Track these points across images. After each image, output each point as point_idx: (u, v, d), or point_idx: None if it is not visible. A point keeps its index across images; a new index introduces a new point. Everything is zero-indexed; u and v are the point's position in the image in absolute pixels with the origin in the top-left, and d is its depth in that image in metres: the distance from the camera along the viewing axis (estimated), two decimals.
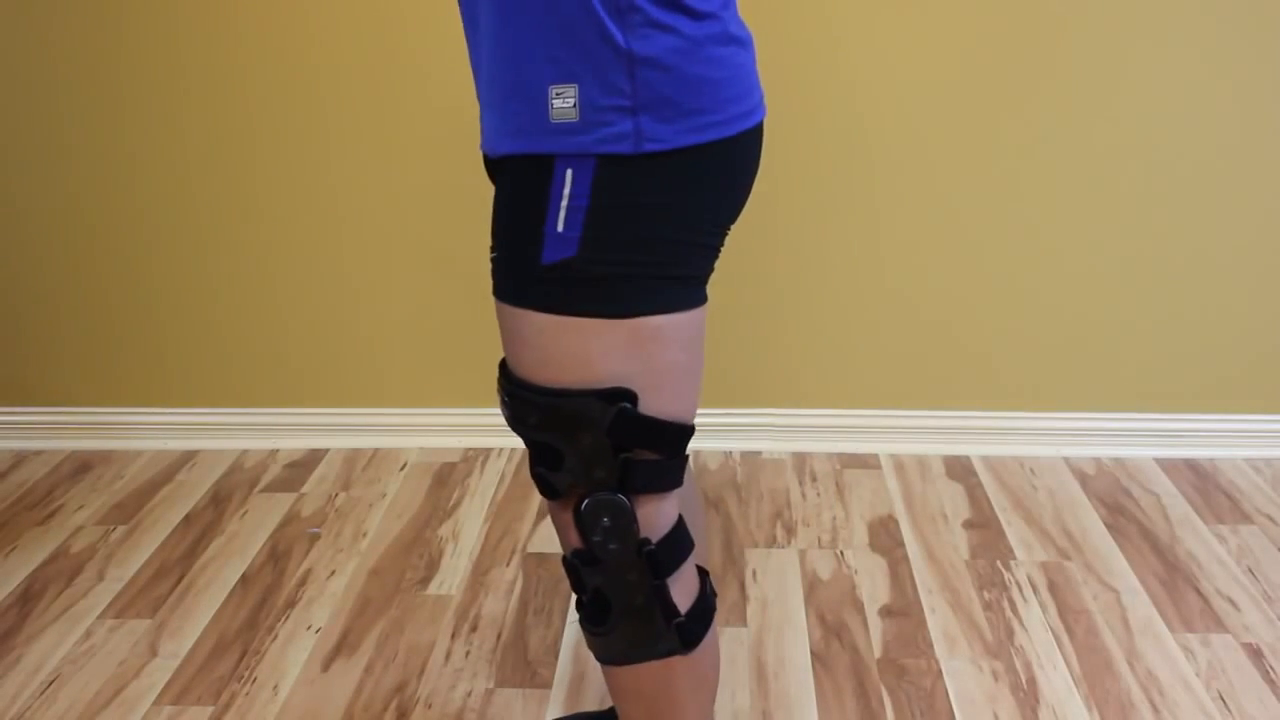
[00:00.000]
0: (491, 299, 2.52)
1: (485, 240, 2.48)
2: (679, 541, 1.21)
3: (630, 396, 1.10)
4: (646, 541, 1.17)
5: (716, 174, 1.09)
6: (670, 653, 1.22)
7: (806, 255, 2.45)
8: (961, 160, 2.37)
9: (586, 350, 1.09)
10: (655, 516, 1.17)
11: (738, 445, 2.60)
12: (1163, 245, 2.41)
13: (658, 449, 1.15)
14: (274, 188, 2.48)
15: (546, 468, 1.15)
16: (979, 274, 2.46)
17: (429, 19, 2.34)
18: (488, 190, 2.46)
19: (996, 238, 2.43)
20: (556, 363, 1.10)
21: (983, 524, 2.28)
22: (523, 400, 1.13)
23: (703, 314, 1.15)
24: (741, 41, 1.10)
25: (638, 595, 1.19)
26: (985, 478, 2.47)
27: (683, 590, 1.22)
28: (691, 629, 1.23)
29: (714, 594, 1.29)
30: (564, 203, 1.05)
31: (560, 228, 1.05)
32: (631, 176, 1.05)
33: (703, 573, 1.28)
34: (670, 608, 1.20)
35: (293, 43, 2.37)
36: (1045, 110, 2.34)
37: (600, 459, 1.12)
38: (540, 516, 2.34)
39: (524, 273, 1.09)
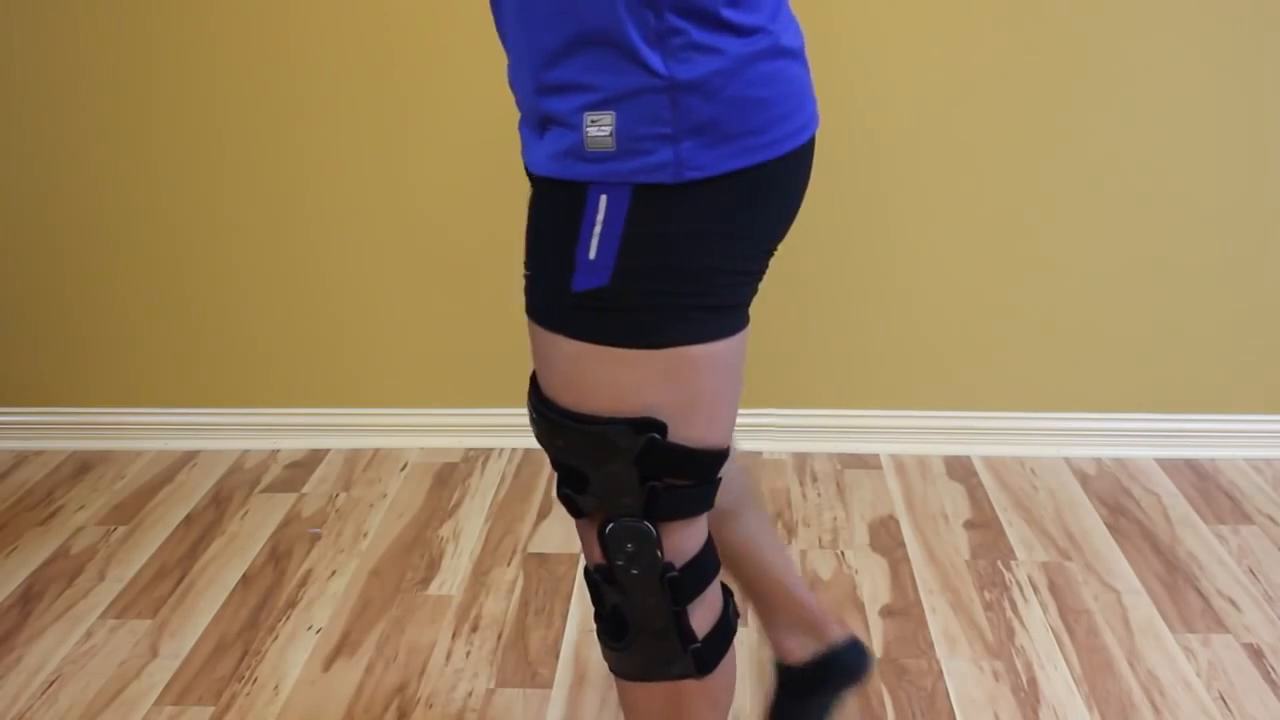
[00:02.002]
0: (492, 301, 2.52)
1: (486, 240, 2.48)
2: (704, 566, 1.17)
3: (660, 427, 1.06)
4: (670, 567, 1.13)
5: (764, 197, 1.04)
6: (683, 675, 1.19)
7: (807, 256, 2.45)
8: (962, 161, 2.37)
9: (617, 380, 1.04)
10: (683, 541, 1.14)
11: (737, 445, 2.60)
12: (1163, 246, 2.41)
13: (688, 476, 1.11)
14: (274, 188, 2.48)
15: (572, 489, 1.12)
16: (979, 274, 2.46)
17: (428, 19, 2.34)
18: (488, 190, 2.46)
19: (997, 238, 2.43)
20: (586, 389, 1.06)
21: (983, 524, 2.28)
22: (550, 421, 1.09)
23: (743, 339, 1.09)
24: (793, 53, 1.03)
25: (656, 620, 1.15)
26: (986, 478, 2.47)
27: (704, 614, 1.18)
28: (708, 654, 1.19)
29: (737, 615, 1.25)
30: (597, 229, 1.00)
31: (592, 255, 1.01)
32: (669, 206, 1.00)
33: (727, 593, 1.25)
34: (688, 633, 1.16)
35: (293, 43, 2.37)
36: (1046, 111, 2.34)
37: (626, 487, 1.08)
38: (541, 517, 2.35)
39: (555, 298, 1.05)
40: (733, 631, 1.23)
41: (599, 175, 0.99)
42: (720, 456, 1.13)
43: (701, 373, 1.06)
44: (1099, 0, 2.26)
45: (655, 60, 0.96)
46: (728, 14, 0.97)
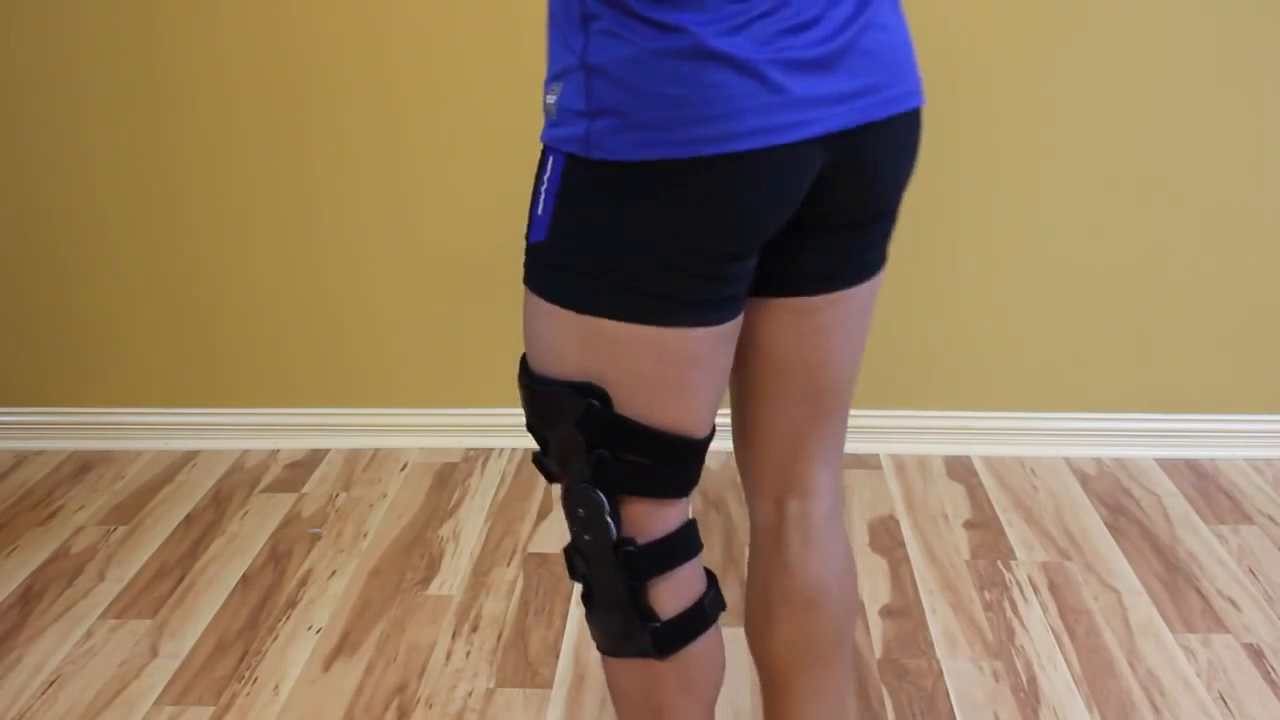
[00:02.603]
0: (492, 301, 2.53)
1: (486, 240, 2.48)
2: (670, 548, 1.18)
3: (601, 395, 1.11)
4: (629, 541, 1.16)
5: (682, 197, 1.04)
6: (642, 654, 1.21)
7: None
8: (962, 161, 2.37)
9: (555, 338, 1.11)
10: (645, 520, 1.17)
11: None
12: (1163, 246, 2.41)
13: (640, 453, 1.14)
14: (276, 189, 2.48)
15: (541, 451, 1.19)
16: (979, 274, 2.46)
17: (434, 21, 2.34)
18: (488, 190, 2.46)
19: (997, 238, 2.43)
20: (539, 347, 1.13)
21: (983, 524, 2.28)
22: (520, 383, 1.18)
23: (693, 335, 1.10)
24: (728, 60, 1.00)
25: (611, 591, 1.19)
26: (986, 478, 2.47)
27: (671, 595, 1.20)
28: (669, 636, 1.20)
29: (718, 604, 1.26)
30: (544, 187, 1.09)
31: (539, 211, 1.09)
32: (589, 180, 1.05)
33: (711, 579, 1.26)
34: (646, 610, 1.19)
35: (299, 45, 2.37)
36: (1046, 112, 2.34)
37: (575, 451, 1.13)
38: (541, 517, 2.34)
39: (526, 251, 1.14)
40: (708, 620, 1.24)
41: (548, 139, 1.09)
42: (679, 443, 1.15)
43: (630, 351, 1.09)
44: (1106, 4, 2.27)
45: (578, 42, 1.04)
46: (637, 6, 1.00)
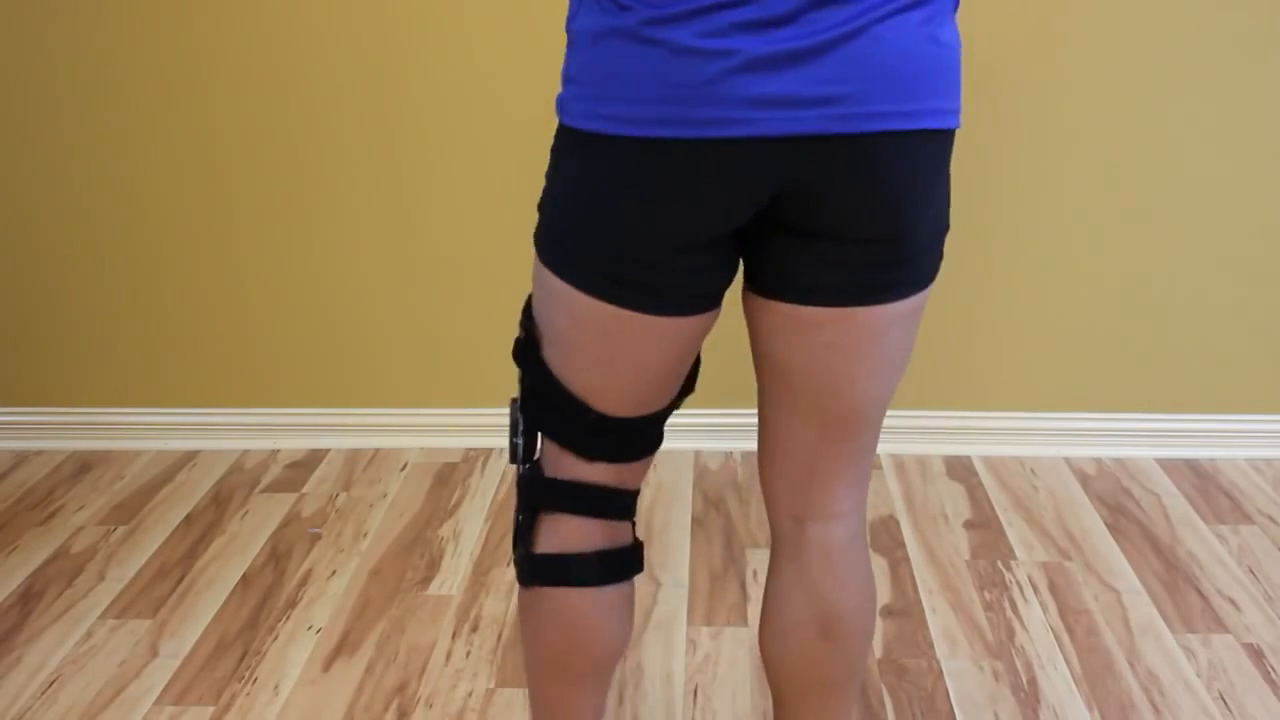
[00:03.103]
0: (492, 301, 2.53)
1: (486, 240, 2.48)
2: (561, 490, 1.23)
3: (534, 330, 1.19)
4: (536, 469, 1.24)
5: (601, 171, 1.06)
6: (518, 576, 1.28)
7: None
8: (962, 161, 2.37)
9: (535, 271, 1.19)
10: (552, 458, 1.23)
11: (738, 445, 2.60)
12: (1163, 246, 2.41)
13: (543, 398, 1.21)
14: (275, 188, 2.48)
15: None
16: (979, 274, 2.46)
17: (426, 17, 2.34)
18: (488, 190, 2.46)
19: (997, 238, 2.43)
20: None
21: (983, 524, 2.28)
22: None
23: (608, 310, 1.12)
24: (665, 45, 1.00)
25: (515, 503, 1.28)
26: (986, 478, 2.47)
27: (550, 534, 1.25)
28: (528, 568, 1.26)
29: (586, 566, 1.26)
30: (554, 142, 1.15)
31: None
32: (558, 141, 1.12)
33: (618, 556, 1.27)
34: (521, 533, 1.26)
35: (293, 46, 2.37)
36: (1048, 112, 2.34)
37: (520, 370, 1.23)
38: None
39: None
40: (570, 574, 1.25)
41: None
42: (576, 408, 1.19)
43: (555, 302, 1.16)
44: (1108, 5, 2.27)
45: (573, 8, 1.09)
46: None
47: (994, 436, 2.56)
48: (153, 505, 2.42)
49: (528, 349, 1.20)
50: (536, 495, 1.25)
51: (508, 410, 1.27)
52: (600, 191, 1.07)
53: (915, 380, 2.54)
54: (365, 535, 2.29)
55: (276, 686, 1.85)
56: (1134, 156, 2.36)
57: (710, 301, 1.16)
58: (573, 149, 1.09)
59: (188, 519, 2.36)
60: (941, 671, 1.85)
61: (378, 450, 2.64)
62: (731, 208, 1.06)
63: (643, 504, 2.38)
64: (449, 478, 2.51)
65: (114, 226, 2.52)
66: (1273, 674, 1.83)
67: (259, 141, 2.44)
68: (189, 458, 2.63)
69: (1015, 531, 2.25)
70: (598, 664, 1.30)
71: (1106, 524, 2.27)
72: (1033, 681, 1.82)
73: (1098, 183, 2.38)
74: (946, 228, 1.17)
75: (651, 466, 2.51)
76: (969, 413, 2.56)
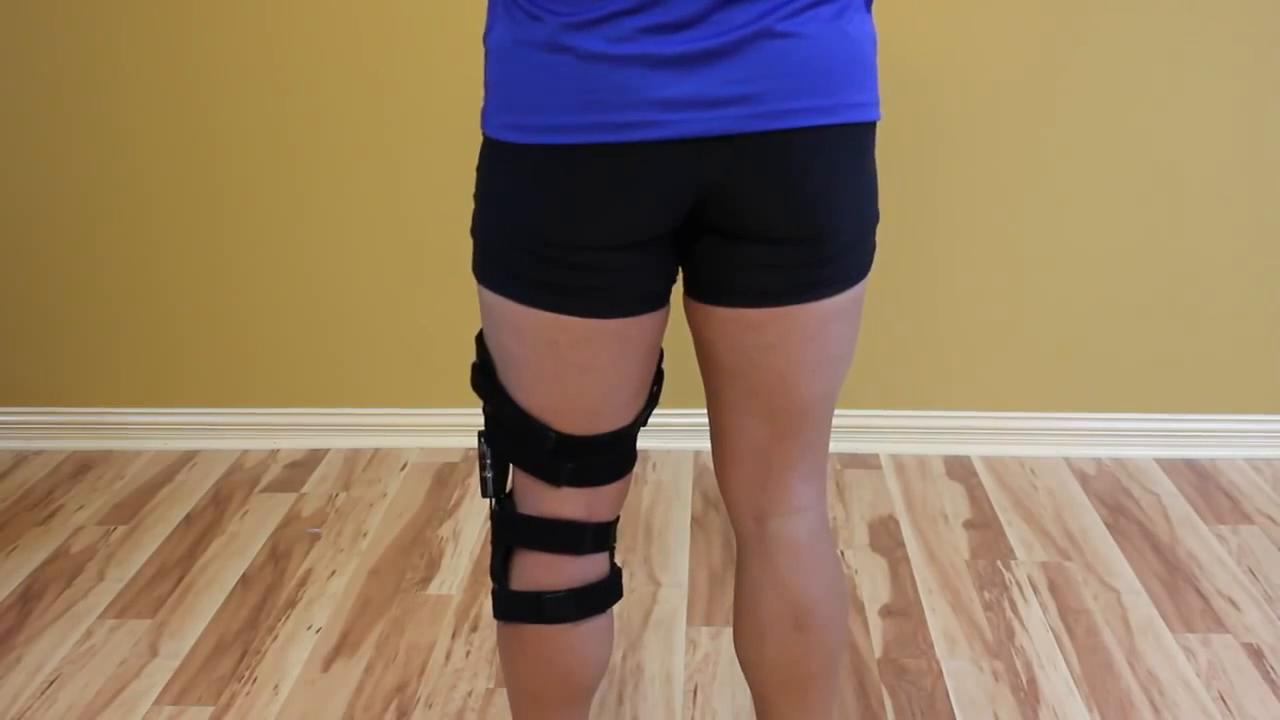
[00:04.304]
0: None
1: None
2: (533, 529, 1.22)
3: (487, 356, 1.19)
4: (508, 503, 1.24)
5: (521, 180, 1.07)
6: (493, 612, 1.28)
7: None
8: (962, 161, 2.38)
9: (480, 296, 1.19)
10: (520, 489, 1.23)
11: None
12: (1163, 246, 2.41)
13: (502, 424, 1.20)
14: (274, 188, 2.48)
15: None
16: (979, 274, 2.46)
17: (420, 17, 2.34)
18: None
19: (997, 238, 2.43)
20: None
21: (983, 524, 2.28)
22: None
23: (547, 320, 1.12)
24: (574, 52, 1.01)
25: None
26: (985, 478, 2.47)
27: (523, 571, 1.24)
28: (502, 603, 1.25)
29: (558, 605, 1.24)
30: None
31: None
32: (482, 154, 1.12)
33: (590, 593, 1.25)
34: (495, 569, 1.25)
35: (289, 45, 2.37)
36: (1047, 112, 2.34)
37: (480, 398, 1.23)
38: None
39: None
40: (543, 613, 1.24)
41: None
42: (534, 428, 1.17)
43: (496, 321, 1.15)
44: (1106, 4, 2.27)
45: (489, 21, 1.10)
46: None
47: (994, 436, 2.56)
48: (152, 505, 2.42)
49: (483, 376, 1.20)
50: (508, 532, 1.24)
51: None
52: (524, 201, 1.07)
53: (915, 380, 2.54)
54: (365, 535, 2.29)
55: (276, 686, 1.85)
56: (1134, 156, 2.36)
57: (651, 303, 1.15)
58: (495, 161, 1.10)
59: (187, 519, 2.36)
60: (941, 671, 1.85)
61: (377, 450, 2.64)
62: (654, 211, 1.07)
63: (643, 504, 2.38)
64: (449, 478, 2.51)
65: (114, 226, 2.52)
66: (1272, 674, 1.83)
67: (259, 142, 2.44)
68: (189, 458, 2.63)
69: (1015, 531, 2.25)
70: (576, 693, 1.30)
71: (1106, 524, 2.27)
72: (1032, 681, 1.82)
73: (1098, 183, 2.38)
74: (876, 220, 1.16)
75: (650, 467, 2.51)
76: (969, 413, 2.56)
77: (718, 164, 1.04)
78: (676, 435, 2.56)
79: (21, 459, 2.64)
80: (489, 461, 1.22)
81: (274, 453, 2.64)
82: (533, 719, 1.32)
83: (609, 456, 1.21)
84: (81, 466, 2.60)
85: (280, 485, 2.49)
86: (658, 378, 1.26)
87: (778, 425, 1.21)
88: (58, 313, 2.60)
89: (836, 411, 2.56)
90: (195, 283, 2.56)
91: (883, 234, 2.42)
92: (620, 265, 1.10)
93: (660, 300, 1.16)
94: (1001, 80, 2.32)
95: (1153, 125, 2.34)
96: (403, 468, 2.56)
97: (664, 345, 1.43)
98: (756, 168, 1.05)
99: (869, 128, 1.10)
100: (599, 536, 1.24)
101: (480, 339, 1.21)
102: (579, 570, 1.24)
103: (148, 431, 2.67)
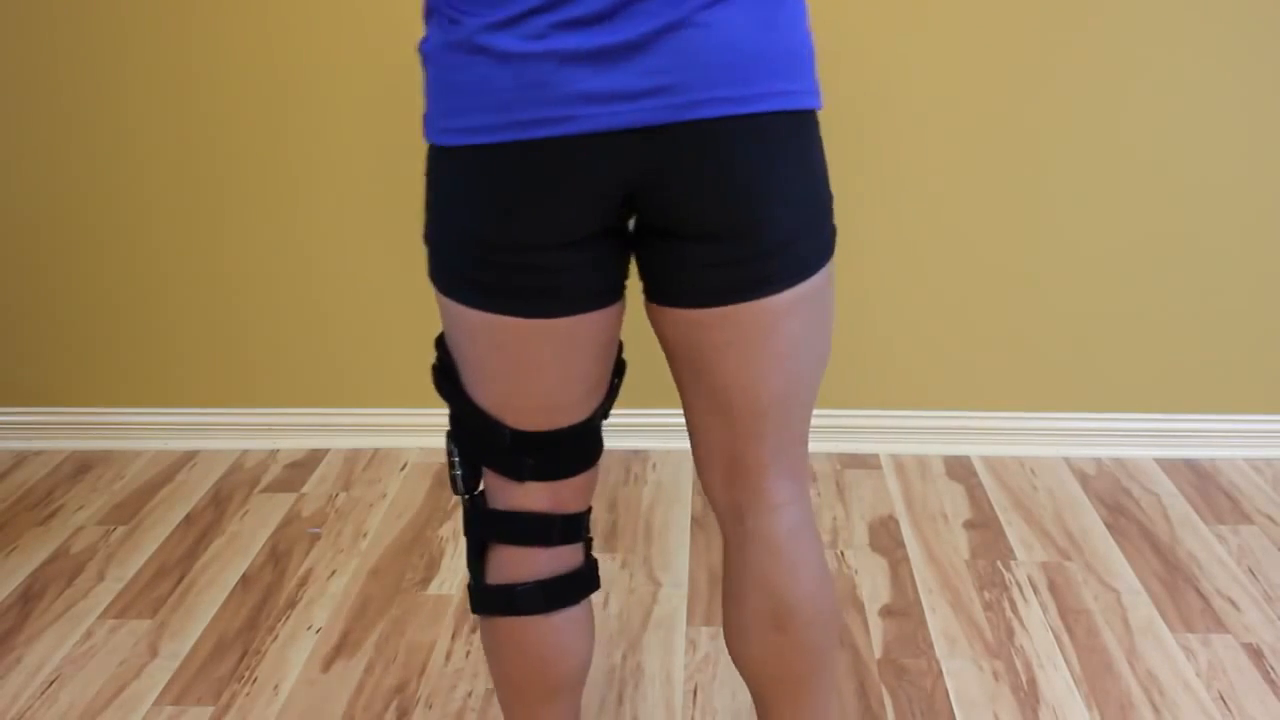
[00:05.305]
0: None
1: None
2: (500, 523, 1.24)
3: (446, 357, 1.21)
4: (479, 498, 1.26)
5: (439, 181, 1.10)
6: (470, 606, 1.31)
7: None
8: (962, 161, 2.38)
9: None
10: (493, 489, 1.25)
11: None
12: (1163, 245, 2.41)
13: (463, 424, 1.22)
14: (273, 187, 2.48)
15: None
16: (979, 274, 2.46)
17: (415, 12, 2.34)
18: None
19: (997, 238, 2.43)
20: None
21: (983, 524, 2.28)
22: None
23: (489, 320, 1.13)
24: (490, 53, 1.02)
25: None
26: (985, 478, 2.47)
27: (497, 565, 1.26)
28: (478, 596, 1.28)
29: (530, 596, 1.25)
30: None
31: None
32: (427, 159, 1.13)
33: (562, 585, 1.27)
34: (470, 561, 1.28)
35: (288, 43, 2.37)
36: (1047, 112, 2.34)
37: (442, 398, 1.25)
38: None
39: None
40: (518, 607, 1.26)
41: None
42: (488, 425, 1.19)
43: (449, 319, 1.17)
44: (1105, 1, 2.27)
45: (426, 29, 1.11)
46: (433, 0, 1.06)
47: (994, 436, 2.56)
48: (152, 505, 2.42)
49: (442, 376, 1.22)
50: (477, 527, 1.26)
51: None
52: (461, 204, 1.08)
53: (915, 380, 2.54)
54: (365, 535, 2.29)
55: (276, 686, 1.85)
56: (1134, 156, 2.36)
57: (600, 300, 1.15)
58: (435, 166, 1.11)
59: (187, 519, 2.36)
60: (941, 671, 1.85)
61: (377, 450, 2.64)
62: (583, 208, 1.07)
63: (643, 504, 2.38)
64: (448, 478, 2.51)
65: (114, 226, 2.52)
66: (1272, 674, 1.83)
67: (258, 142, 2.44)
68: (189, 458, 2.63)
69: (1015, 531, 2.25)
70: (557, 685, 1.31)
71: (1106, 524, 2.27)
72: (1032, 681, 1.82)
73: (1099, 183, 2.38)
74: (822, 212, 1.13)
75: (650, 467, 2.51)
76: (969, 413, 2.56)
77: (640, 158, 1.04)
78: (676, 435, 2.56)
79: (21, 459, 2.64)
80: (456, 460, 1.24)
81: (274, 453, 2.64)
82: (519, 713, 1.33)
83: (569, 450, 1.22)
84: (81, 466, 2.60)
85: (280, 485, 2.49)
86: (619, 370, 1.26)
87: (742, 424, 1.20)
88: (58, 313, 2.60)
89: (836, 411, 2.56)
90: (195, 283, 2.56)
91: (881, 232, 2.43)
92: (562, 265, 1.10)
93: (610, 297, 1.16)
94: (1002, 80, 2.32)
95: (1153, 125, 2.34)
96: (403, 468, 2.56)
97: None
98: (679, 160, 1.04)
99: (802, 116, 1.08)
100: (568, 528, 1.26)
101: (440, 340, 1.23)
102: (549, 562, 1.26)
103: (148, 431, 2.67)
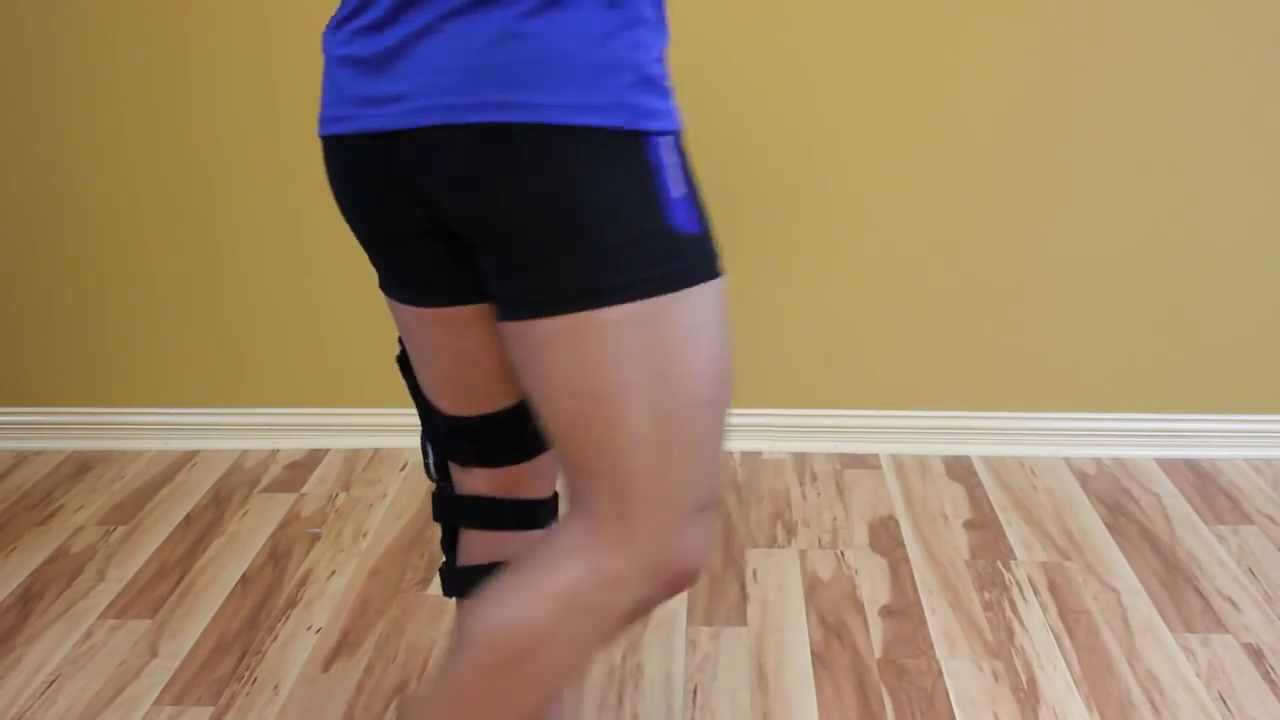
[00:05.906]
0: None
1: None
2: (457, 506, 1.30)
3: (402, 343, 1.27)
4: (447, 486, 1.31)
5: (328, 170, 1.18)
6: (442, 587, 1.35)
7: (806, 254, 2.45)
8: (962, 160, 2.38)
9: None
10: (455, 474, 1.30)
11: (738, 445, 2.60)
12: (1163, 245, 2.41)
13: (417, 407, 1.30)
14: (273, 189, 2.48)
15: None
16: (979, 274, 2.46)
17: None
18: None
19: (997, 238, 2.43)
20: None
21: (983, 524, 2.28)
22: None
23: (395, 306, 1.21)
24: (326, 54, 1.13)
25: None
26: (985, 478, 2.47)
27: (466, 548, 1.31)
28: (449, 579, 1.32)
29: (491, 579, 1.18)
30: None
31: None
32: None
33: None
34: (445, 547, 1.34)
35: (285, 40, 2.37)
36: (1046, 111, 2.34)
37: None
38: None
39: None
40: (478, 590, 1.21)
41: None
42: (426, 408, 1.26)
43: (394, 310, 1.24)
44: (1098, 2, 2.27)
45: None
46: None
47: (993, 436, 2.56)
48: (152, 505, 2.42)
49: (405, 365, 1.29)
50: (440, 510, 1.32)
51: None
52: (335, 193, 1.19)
53: (915, 380, 2.54)
54: (365, 535, 2.29)
55: (276, 686, 1.85)
56: (1134, 156, 2.36)
57: (469, 296, 1.14)
58: None
59: (187, 519, 2.36)
60: (941, 671, 1.85)
61: (377, 450, 2.64)
62: (390, 203, 1.11)
63: None
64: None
65: (113, 226, 2.52)
66: (1272, 674, 1.83)
67: (257, 141, 2.44)
68: (189, 458, 2.63)
69: (1015, 531, 2.25)
70: None
71: (1106, 524, 2.27)
72: (1032, 681, 1.82)
73: (1099, 183, 2.38)
74: (596, 238, 1.01)
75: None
76: (968, 413, 2.56)
77: (402, 160, 1.07)
78: None
79: (21, 459, 2.64)
80: (428, 447, 1.31)
81: (274, 453, 2.64)
82: None
83: (501, 438, 1.25)
84: (81, 466, 2.60)
85: (280, 485, 2.49)
86: None
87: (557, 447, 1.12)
88: (58, 313, 2.60)
89: (836, 411, 2.56)
90: (195, 283, 2.56)
91: (881, 232, 2.43)
92: (414, 257, 1.14)
93: (465, 297, 1.16)
94: (1002, 80, 2.32)
95: (1153, 125, 2.34)
96: (403, 468, 2.56)
97: None
98: (422, 164, 1.05)
99: (561, 132, 0.99)
100: (521, 514, 1.28)
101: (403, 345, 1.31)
102: (508, 546, 1.29)
103: (148, 431, 2.67)
